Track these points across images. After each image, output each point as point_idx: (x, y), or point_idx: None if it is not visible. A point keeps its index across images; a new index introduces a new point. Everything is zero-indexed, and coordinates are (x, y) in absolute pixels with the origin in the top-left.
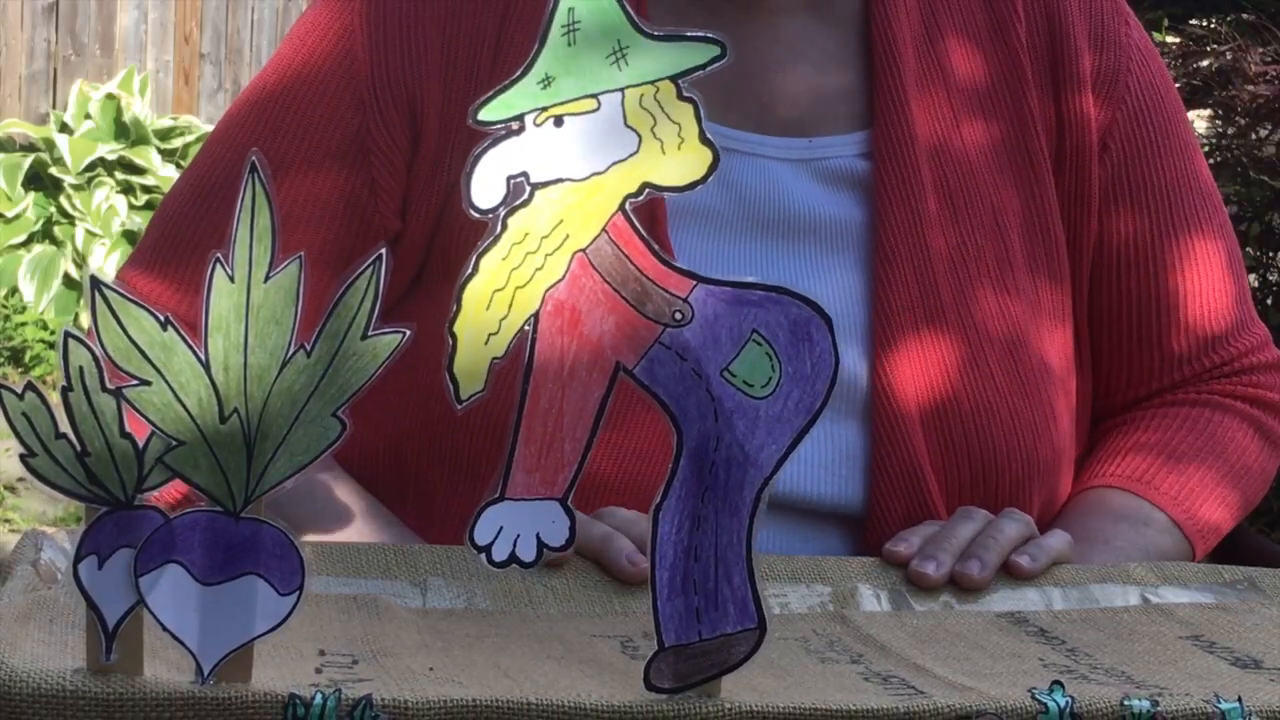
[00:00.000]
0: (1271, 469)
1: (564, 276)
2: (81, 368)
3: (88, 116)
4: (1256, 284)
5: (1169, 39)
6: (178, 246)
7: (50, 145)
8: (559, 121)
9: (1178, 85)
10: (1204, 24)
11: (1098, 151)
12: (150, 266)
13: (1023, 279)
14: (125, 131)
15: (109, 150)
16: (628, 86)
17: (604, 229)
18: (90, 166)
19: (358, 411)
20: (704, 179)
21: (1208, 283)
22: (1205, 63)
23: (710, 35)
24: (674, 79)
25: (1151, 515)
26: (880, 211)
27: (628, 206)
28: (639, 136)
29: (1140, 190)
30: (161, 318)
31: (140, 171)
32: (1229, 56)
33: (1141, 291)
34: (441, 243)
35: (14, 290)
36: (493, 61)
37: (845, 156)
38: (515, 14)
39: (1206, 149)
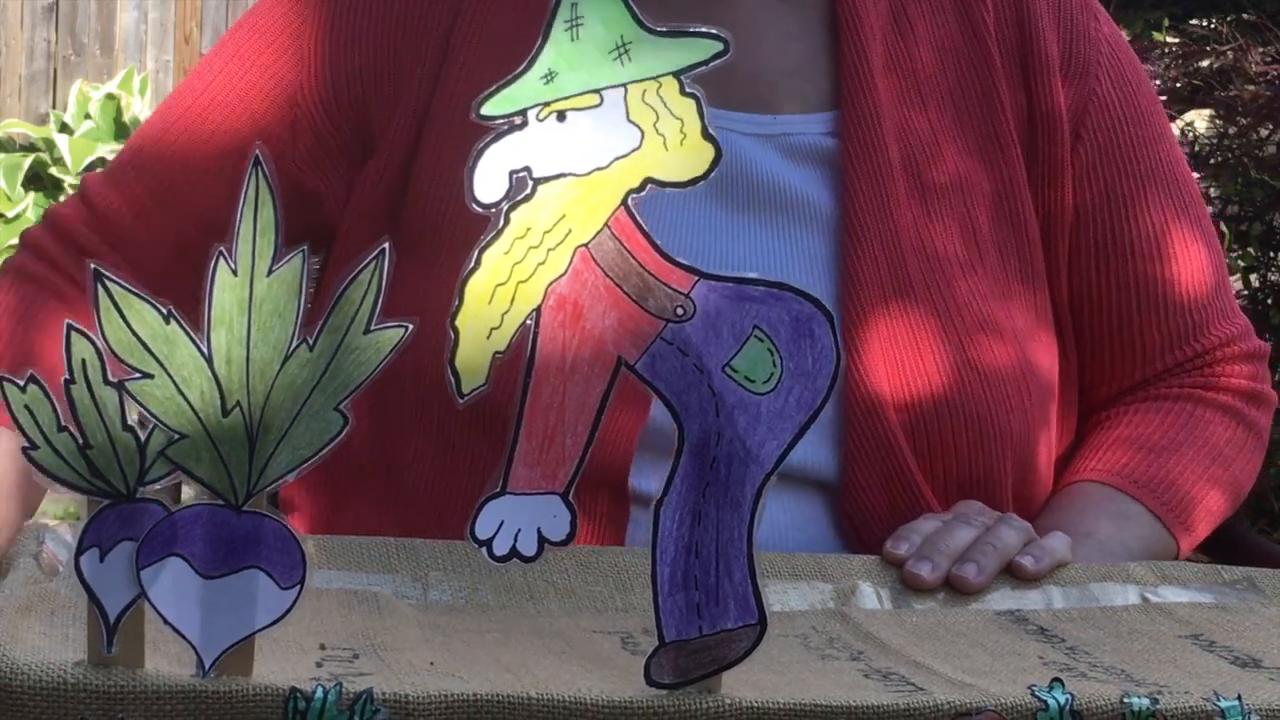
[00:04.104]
0: (1256, 460)
1: (566, 271)
2: (84, 360)
3: (88, 116)
4: (1257, 284)
5: (1169, 39)
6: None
7: (50, 145)
8: (562, 116)
9: (1178, 85)
10: (1204, 24)
11: (1070, 142)
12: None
13: (990, 258)
14: (125, 131)
15: (109, 150)
16: (630, 82)
17: (606, 224)
18: (90, 166)
19: None
20: (706, 174)
21: (1185, 273)
22: (1206, 63)
23: (713, 31)
24: (676, 75)
25: (1131, 509)
26: (848, 188)
27: (630, 201)
28: (641, 132)
29: (1115, 181)
30: (164, 311)
31: None
32: (1230, 56)
33: (1119, 282)
34: (407, 224)
35: None
36: (440, 61)
37: (812, 134)
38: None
39: (1207, 149)
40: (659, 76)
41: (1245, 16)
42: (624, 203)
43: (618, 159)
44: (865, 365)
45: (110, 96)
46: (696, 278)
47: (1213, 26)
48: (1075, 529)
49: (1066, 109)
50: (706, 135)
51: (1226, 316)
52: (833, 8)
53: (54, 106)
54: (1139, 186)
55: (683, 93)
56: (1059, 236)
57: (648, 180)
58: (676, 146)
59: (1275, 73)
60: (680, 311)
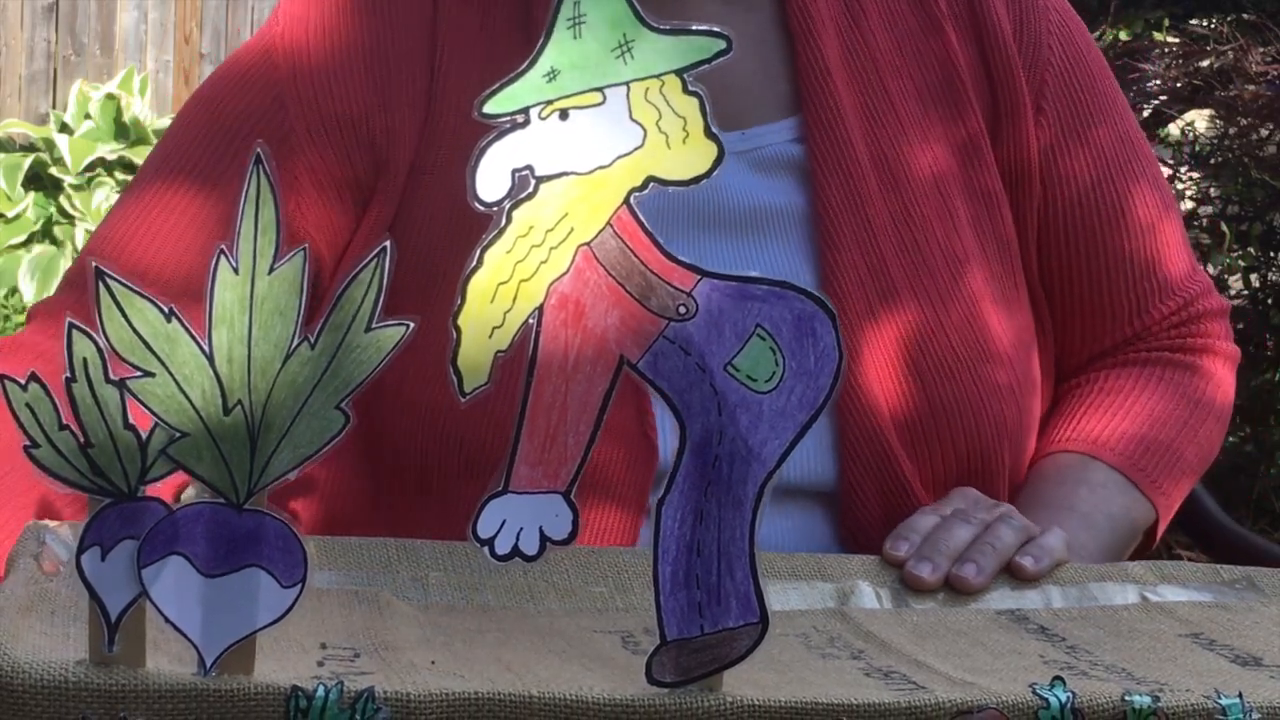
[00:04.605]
0: (1225, 419)
1: (568, 270)
2: (85, 359)
3: (88, 116)
4: (1257, 284)
5: (1169, 39)
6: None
7: (50, 145)
8: (564, 115)
9: (1179, 85)
10: (1204, 24)
11: (1033, 115)
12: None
13: (970, 242)
14: (125, 131)
15: (109, 150)
16: (633, 80)
17: (609, 222)
18: (90, 166)
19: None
20: (709, 173)
21: (1151, 234)
22: (1206, 62)
23: (716, 29)
24: (679, 73)
25: (1108, 476)
26: (819, 194)
27: (633, 200)
28: (644, 130)
29: (1079, 150)
30: (165, 309)
31: None
32: (1230, 56)
33: (1089, 249)
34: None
35: (14, 290)
36: (429, 85)
37: (779, 143)
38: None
39: (1208, 149)
40: (661, 75)
41: (1245, 16)
42: (626, 201)
43: (620, 157)
44: (856, 372)
45: (110, 96)
46: (699, 276)
47: (1213, 26)
48: (1056, 501)
49: (1026, 82)
50: (709, 134)
51: (1191, 276)
52: (782, 7)
53: (54, 106)
54: (1099, 153)
55: (685, 91)
56: (1028, 211)
57: (650, 179)
58: (679, 145)
59: (1276, 72)
60: (683, 310)
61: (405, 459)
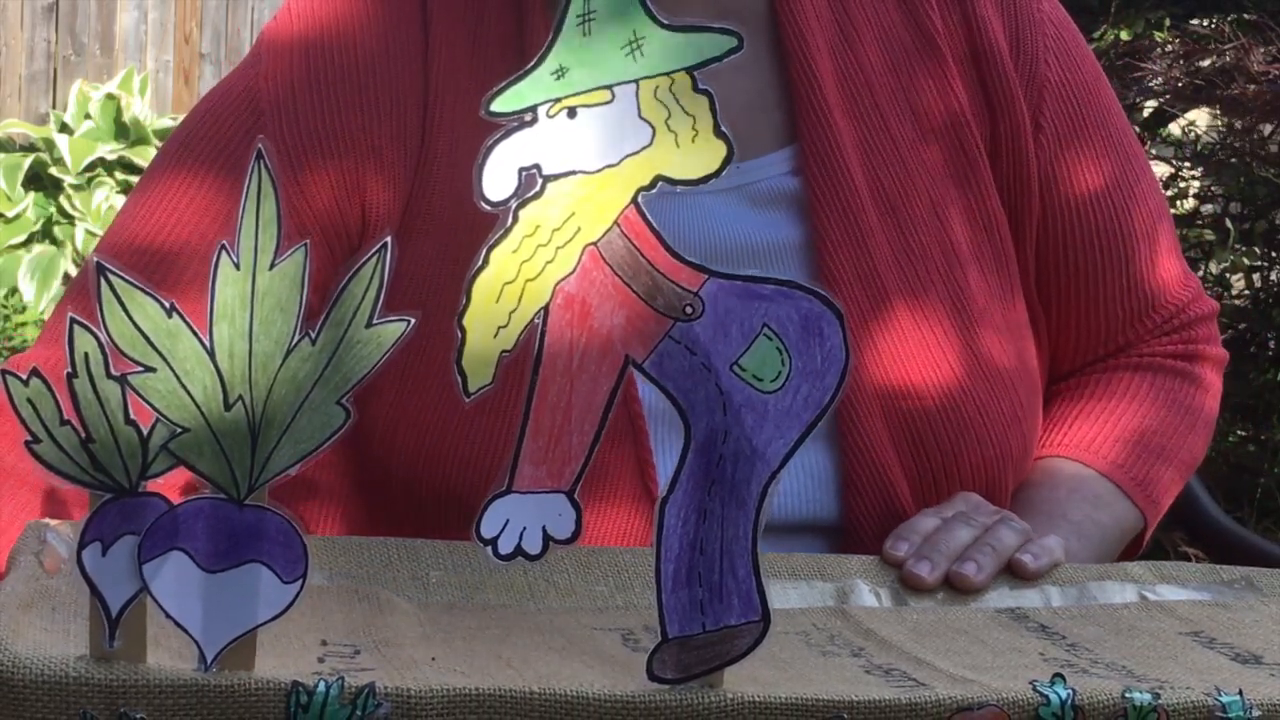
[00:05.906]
0: (1211, 424)
1: (575, 269)
2: (87, 354)
3: (88, 116)
4: (1259, 283)
5: (1170, 38)
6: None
7: (50, 145)
8: (572, 113)
9: (1180, 84)
10: (1205, 24)
11: (1032, 132)
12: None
13: (971, 269)
14: (125, 131)
15: (109, 150)
16: (642, 78)
17: (616, 222)
18: (90, 166)
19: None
20: (718, 172)
21: (1146, 244)
22: (1207, 62)
23: (727, 26)
24: (689, 70)
25: (1100, 484)
26: (817, 228)
27: (640, 199)
28: (653, 129)
29: (1077, 165)
30: (167, 304)
31: (140, 172)
32: (1231, 56)
33: (1088, 262)
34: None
35: (14, 290)
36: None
37: (775, 176)
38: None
39: (1209, 149)
40: (671, 73)
41: (1246, 16)
42: (634, 200)
43: (628, 156)
44: (858, 407)
45: (110, 96)
46: (706, 276)
47: (1214, 26)
48: (1048, 508)
49: (1024, 99)
50: (718, 133)
51: (1182, 282)
52: (775, 29)
53: (54, 106)
54: (1097, 167)
55: (695, 89)
56: (1027, 227)
57: (659, 178)
58: (688, 144)
59: (1277, 72)
60: (689, 310)
61: (403, 511)
